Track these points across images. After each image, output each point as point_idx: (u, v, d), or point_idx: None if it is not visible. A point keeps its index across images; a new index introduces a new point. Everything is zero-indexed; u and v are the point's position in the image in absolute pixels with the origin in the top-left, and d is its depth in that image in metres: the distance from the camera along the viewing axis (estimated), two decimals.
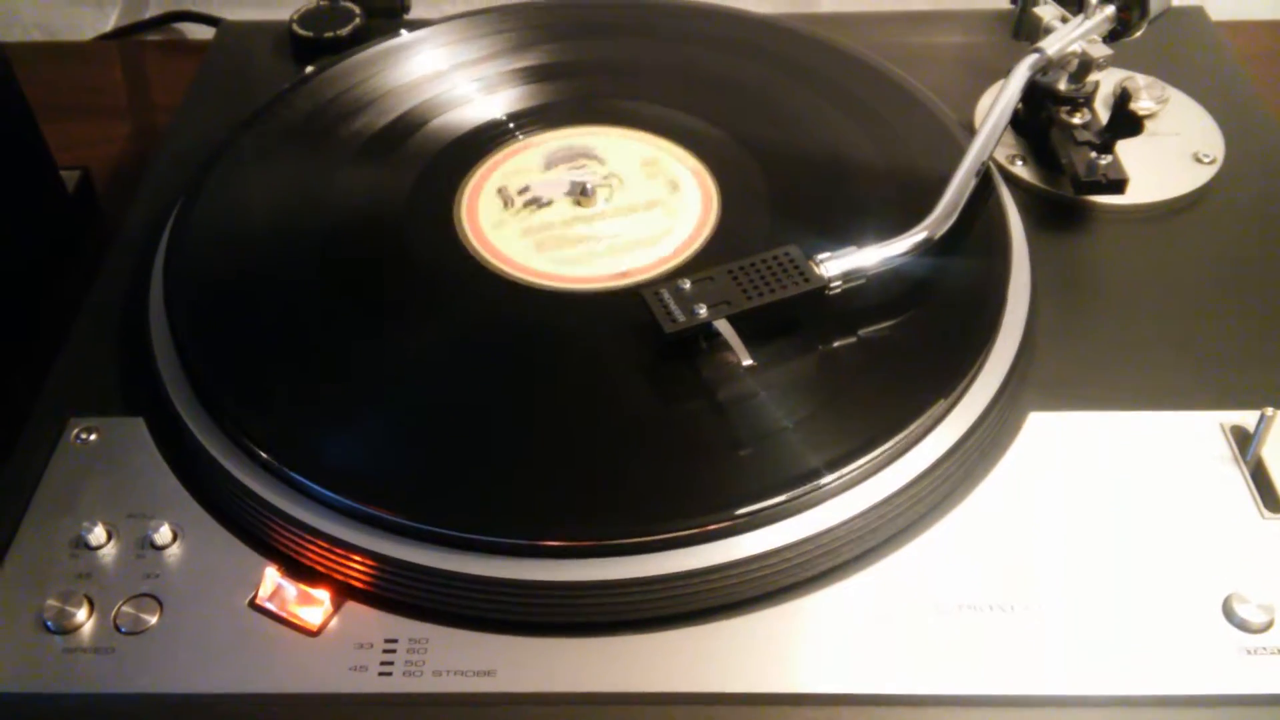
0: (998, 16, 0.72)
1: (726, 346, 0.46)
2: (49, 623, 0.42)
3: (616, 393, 0.48)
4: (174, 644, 0.42)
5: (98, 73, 0.87)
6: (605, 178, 0.57)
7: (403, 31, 0.65)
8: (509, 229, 0.55)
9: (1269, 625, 0.41)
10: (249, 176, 0.58)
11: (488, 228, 0.55)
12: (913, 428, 0.45)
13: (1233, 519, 0.45)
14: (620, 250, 0.53)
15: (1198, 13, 0.72)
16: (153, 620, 0.43)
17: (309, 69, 0.65)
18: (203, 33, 0.90)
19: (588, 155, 0.59)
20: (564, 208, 0.56)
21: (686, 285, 0.47)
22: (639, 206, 0.55)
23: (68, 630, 0.42)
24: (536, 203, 0.56)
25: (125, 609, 0.43)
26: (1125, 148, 0.59)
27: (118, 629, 0.42)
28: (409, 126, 0.60)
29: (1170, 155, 0.60)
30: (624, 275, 0.52)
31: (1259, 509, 0.45)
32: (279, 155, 0.59)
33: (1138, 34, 0.60)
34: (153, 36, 0.92)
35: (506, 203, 0.56)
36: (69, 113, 0.80)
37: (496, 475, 0.45)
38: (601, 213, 0.56)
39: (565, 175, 0.58)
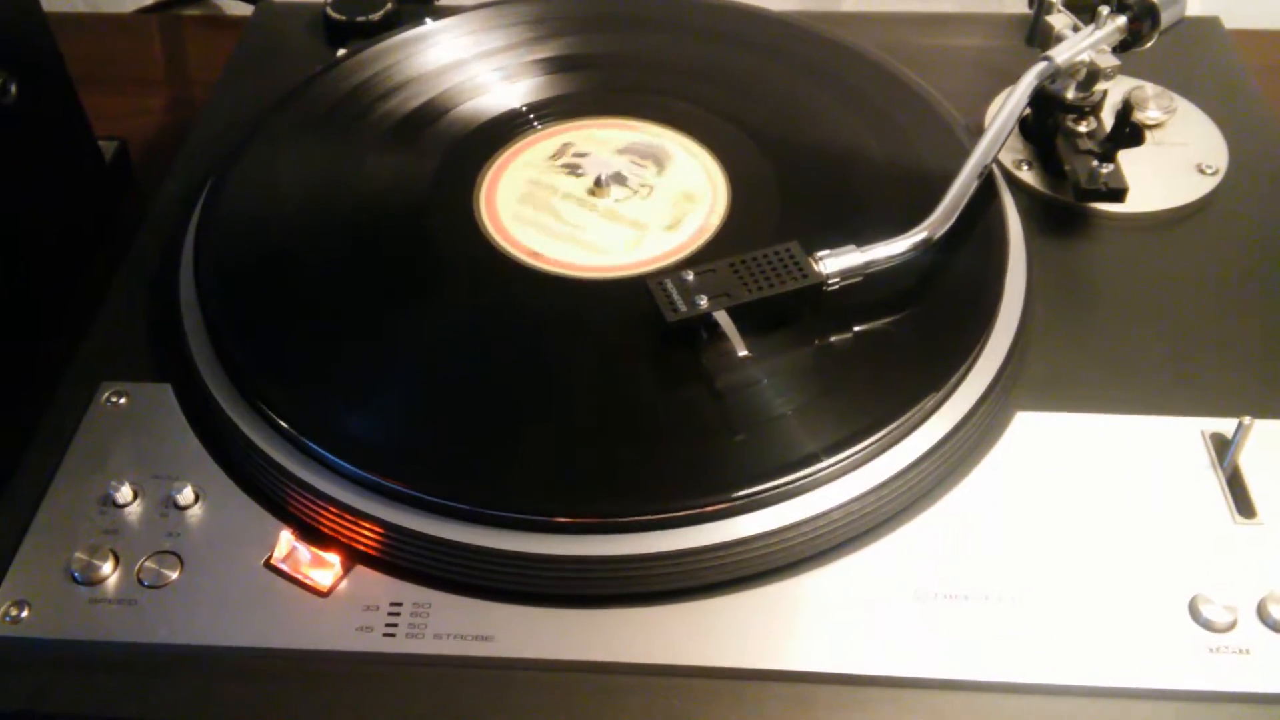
0: (1015, 21, 0.73)
1: (725, 336, 0.48)
2: (76, 574, 0.45)
3: (619, 377, 0.50)
4: (193, 599, 0.45)
5: (137, 45, 0.89)
6: (640, 185, 0.59)
7: (427, 20, 0.67)
8: (527, 174, 0.58)
9: (1232, 625, 0.43)
10: (278, 156, 0.60)
11: (514, 169, 0.58)
12: (903, 420, 0.47)
13: (1206, 523, 0.46)
14: (562, 238, 0.55)
15: (1213, 22, 0.73)
16: (173, 576, 0.45)
17: (341, 51, 0.68)
18: (239, 9, 0.93)
19: (658, 160, 0.60)
20: (581, 185, 0.58)
21: (690, 276, 0.49)
22: (624, 221, 0.57)
23: (94, 582, 0.45)
24: (574, 169, 0.58)
25: (148, 564, 0.45)
26: (1130, 156, 0.60)
27: (140, 582, 0.45)
28: (435, 112, 0.62)
29: (1174, 165, 0.61)
30: (534, 255, 0.54)
31: (1232, 514, 0.47)
32: (308, 136, 0.61)
33: (1149, 44, 0.61)
34: (191, 11, 0.94)
35: (557, 154, 0.58)
36: (107, 84, 0.82)
37: (501, 452, 0.47)
38: (596, 207, 0.57)
39: (619, 164, 0.59)
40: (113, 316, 0.56)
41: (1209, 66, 0.69)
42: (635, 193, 0.58)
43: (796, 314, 0.51)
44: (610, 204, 0.58)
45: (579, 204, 0.57)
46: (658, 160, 0.60)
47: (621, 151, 0.60)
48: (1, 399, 0.60)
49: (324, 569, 0.45)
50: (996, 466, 0.48)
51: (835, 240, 0.51)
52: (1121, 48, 0.60)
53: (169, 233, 0.59)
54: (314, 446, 0.47)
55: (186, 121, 0.81)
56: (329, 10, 0.71)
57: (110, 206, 0.73)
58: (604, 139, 0.61)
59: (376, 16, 0.70)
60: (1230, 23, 0.73)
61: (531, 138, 0.61)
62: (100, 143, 0.74)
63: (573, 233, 0.56)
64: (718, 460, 0.46)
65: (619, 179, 0.58)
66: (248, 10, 0.90)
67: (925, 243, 0.51)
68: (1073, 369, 0.52)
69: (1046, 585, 0.45)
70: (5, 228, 0.63)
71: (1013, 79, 0.61)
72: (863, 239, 0.51)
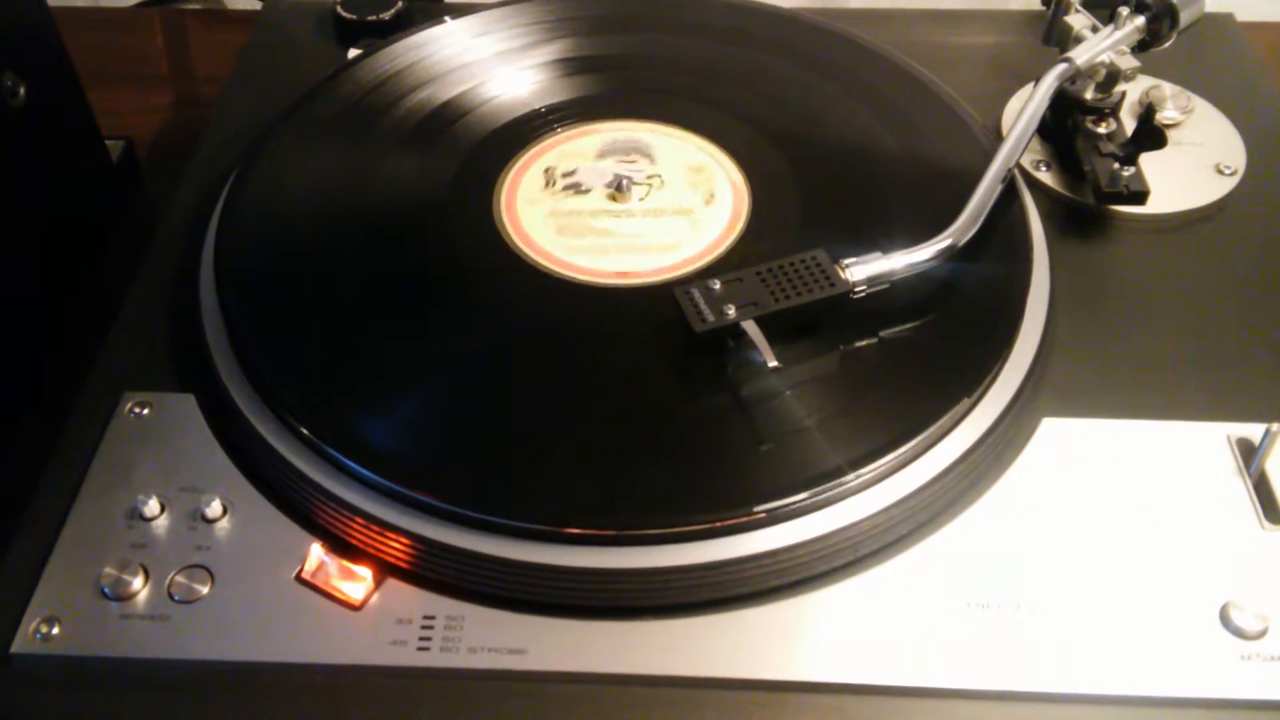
0: (1029, 18, 0.73)
1: (753, 346, 0.47)
2: (106, 590, 0.45)
3: (646, 387, 0.49)
4: (225, 613, 0.44)
5: (138, 41, 0.88)
6: (649, 177, 0.59)
7: (446, 19, 0.66)
8: (540, 207, 0.57)
9: (1264, 633, 0.43)
10: (296, 160, 0.59)
11: (522, 204, 0.57)
12: (930, 431, 0.47)
13: (1234, 529, 0.47)
14: (629, 250, 0.55)
15: (1227, 19, 0.73)
16: (204, 590, 0.45)
17: (353, 52, 0.67)
18: (242, 2, 0.92)
19: (641, 151, 0.60)
20: (598, 198, 0.58)
21: (717, 285, 0.49)
22: (668, 211, 0.57)
23: (124, 597, 0.45)
24: (576, 188, 0.58)
25: (178, 578, 0.45)
26: (1148, 157, 0.60)
27: (171, 597, 0.45)
28: (453, 113, 0.62)
29: (1192, 166, 0.61)
30: (622, 275, 0.54)
31: (1260, 520, 0.47)
32: (326, 139, 0.60)
33: (1167, 44, 0.61)
34: (193, 5, 0.93)
35: (549, 182, 0.58)
36: (109, 80, 0.81)
37: (531, 463, 0.47)
38: (630, 210, 0.57)
39: (612, 167, 0.59)
40: (132, 324, 0.55)
41: (1224, 63, 0.69)
42: (650, 186, 0.58)
43: (820, 322, 0.51)
44: (639, 205, 0.57)
45: (615, 216, 0.57)
46: (641, 151, 0.60)
47: (600, 157, 0.60)
48: (13, 405, 0.60)
49: (355, 582, 0.45)
50: (1023, 474, 0.48)
51: (857, 246, 0.51)
52: (1140, 48, 0.60)
53: (185, 238, 0.58)
54: (341, 458, 0.46)
55: (192, 118, 0.81)
56: (339, 9, 0.70)
57: (119, 207, 0.73)
58: (576, 150, 0.60)
59: (387, 15, 0.70)
60: (1241, 16, 0.73)
61: (550, 140, 0.61)
62: (107, 142, 0.73)
63: (628, 241, 0.55)
64: (750, 472, 0.46)
65: (628, 180, 0.58)
66: (250, 4, 0.89)
67: (950, 249, 0.51)
68: (1097, 374, 0.52)
69: (1075, 593, 0.45)
70: (15, 230, 0.62)
71: (1028, 77, 0.61)
72: (883, 242, 0.51)
